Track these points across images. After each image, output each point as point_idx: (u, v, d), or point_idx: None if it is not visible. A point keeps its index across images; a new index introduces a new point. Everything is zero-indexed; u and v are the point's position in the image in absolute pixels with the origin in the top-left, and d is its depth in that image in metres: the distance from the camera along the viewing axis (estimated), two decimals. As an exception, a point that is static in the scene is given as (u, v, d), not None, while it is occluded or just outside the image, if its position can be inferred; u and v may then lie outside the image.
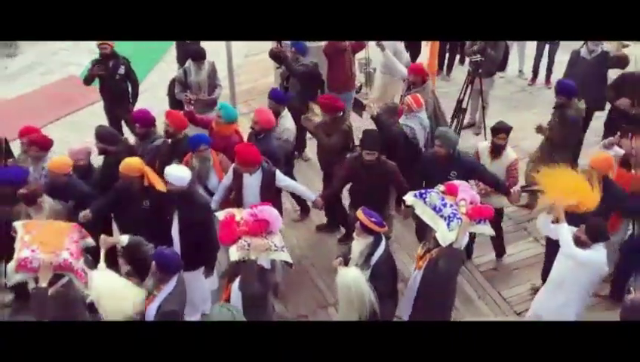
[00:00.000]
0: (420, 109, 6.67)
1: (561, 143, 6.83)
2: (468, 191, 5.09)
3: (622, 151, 6.07)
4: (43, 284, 4.38)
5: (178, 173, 5.31)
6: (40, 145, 6.01)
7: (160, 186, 5.49)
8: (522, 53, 10.57)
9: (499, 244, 6.82)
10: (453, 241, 4.76)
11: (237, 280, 4.77)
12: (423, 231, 5.39)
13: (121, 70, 7.73)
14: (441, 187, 5.13)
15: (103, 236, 4.87)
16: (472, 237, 6.10)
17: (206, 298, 5.87)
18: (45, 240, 4.52)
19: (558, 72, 9.08)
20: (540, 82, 10.44)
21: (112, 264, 5.47)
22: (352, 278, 4.67)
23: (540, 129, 6.99)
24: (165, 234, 5.43)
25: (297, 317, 6.21)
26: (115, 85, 7.83)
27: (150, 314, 4.41)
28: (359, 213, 4.83)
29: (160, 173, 5.58)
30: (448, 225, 4.80)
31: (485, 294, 6.51)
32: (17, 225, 4.74)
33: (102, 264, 4.61)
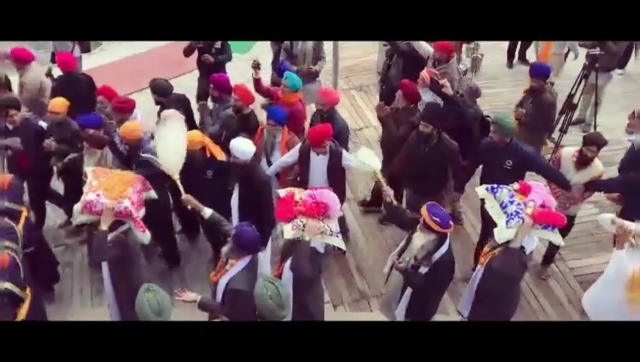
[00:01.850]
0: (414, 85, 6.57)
1: (536, 128, 6.67)
2: (542, 193, 4.88)
3: None
4: (104, 228, 4.72)
5: (242, 147, 5.48)
6: (122, 109, 6.35)
7: (221, 156, 5.73)
8: None
9: (551, 253, 6.52)
10: (511, 240, 4.64)
11: (289, 260, 4.84)
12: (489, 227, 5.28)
13: (217, 44, 7.89)
14: (516, 185, 5.01)
15: (188, 196, 5.08)
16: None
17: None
18: (110, 187, 4.87)
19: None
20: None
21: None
22: None
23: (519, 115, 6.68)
24: (228, 205, 5.65)
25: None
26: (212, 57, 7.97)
27: (220, 289, 4.61)
28: (423, 210, 4.73)
29: (226, 146, 5.78)
30: (507, 222, 4.70)
31: (576, 298, 6.26)
32: (88, 170, 5.16)
33: None
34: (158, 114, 6.66)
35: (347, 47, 9.28)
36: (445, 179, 6.27)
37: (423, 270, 4.78)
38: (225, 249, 4.69)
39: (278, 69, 7.22)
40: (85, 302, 6.40)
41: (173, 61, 8.05)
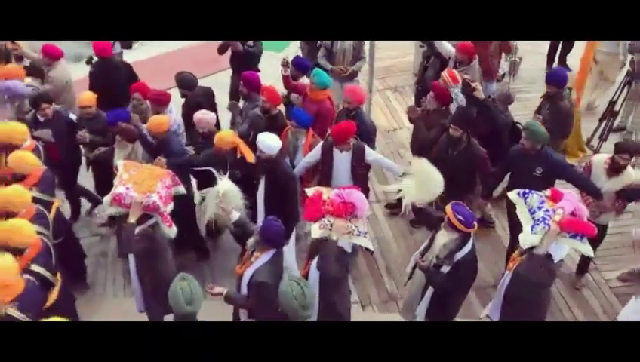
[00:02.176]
0: (455, 85, 6.54)
1: (552, 134, 6.37)
2: (573, 202, 4.79)
3: None
4: (132, 221, 4.82)
5: (268, 142, 5.55)
6: (158, 101, 6.50)
7: (251, 158, 5.79)
8: None
9: (585, 263, 6.38)
10: (536, 247, 4.60)
11: (316, 259, 4.84)
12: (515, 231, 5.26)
13: (250, 42, 7.95)
14: (547, 191, 4.96)
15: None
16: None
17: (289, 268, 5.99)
18: (140, 181, 4.97)
19: None
20: None
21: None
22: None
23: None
24: (254, 203, 5.68)
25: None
26: (243, 55, 7.99)
27: (244, 281, 4.66)
28: (448, 208, 4.73)
29: (253, 146, 5.84)
30: (532, 228, 4.67)
31: (612, 311, 6.19)
32: (119, 163, 5.28)
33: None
34: (183, 107, 6.80)
35: (383, 48, 9.27)
36: (472, 185, 6.23)
37: (445, 269, 4.77)
38: (250, 241, 4.75)
39: (297, 64, 7.24)
40: (118, 292, 6.52)
41: (209, 58, 8.13)
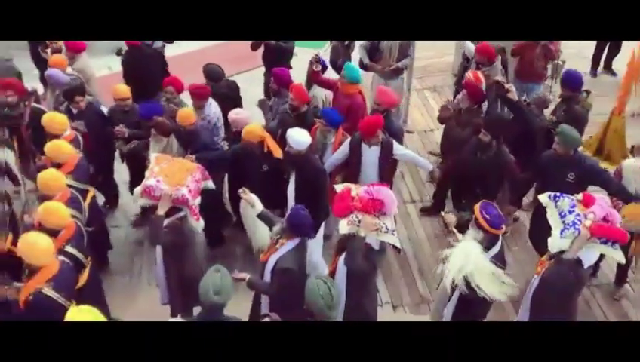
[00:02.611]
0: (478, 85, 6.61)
1: None
2: (605, 207, 4.70)
3: None
4: (161, 213, 4.92)
5: (297, 137, 5.61)
6: (198, 95, 6.60)
7: (278, 153, 5.87)
8: None
9: (623, 272, 6.23)
10: (565, 251, 4.53)
11: (344, 255, 4.86)
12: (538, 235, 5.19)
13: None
14: (579, 196, 4.87)
15: (245, 190, 5.25)
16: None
17: (317, 264, 6.05)
18: (171, 174, 5.07)
19: None
20: None
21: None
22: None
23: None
24: (280, 198, 5.77)
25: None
26: (276, 51, 8.07)
27: (268, 267, 4.74)
28: (476, 206, 4.69)
29: (282, 143, 5.92)
30: (562, 232, 4.59)
31: None
32: (152, 156, 5.40)
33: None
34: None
35: (422, 47, 9.21)
36: (497, 191, 6.15)
37: None
38: (276, 228, 4.82)
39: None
40: (152, 280, 6.50)
41: (246, 54, 8.21)
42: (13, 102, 6.47)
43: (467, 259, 4.51)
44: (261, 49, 7.99)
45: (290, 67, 7.78)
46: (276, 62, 7.61)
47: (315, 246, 5.93)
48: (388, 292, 6.46)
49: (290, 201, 5.81)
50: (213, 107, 6.75)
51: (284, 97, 6.78)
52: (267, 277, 4.77)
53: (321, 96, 7.10)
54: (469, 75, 6.65)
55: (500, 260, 4.69)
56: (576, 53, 9.50)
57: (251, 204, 5.16)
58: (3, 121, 6.35)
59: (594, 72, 9.74)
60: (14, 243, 4.83)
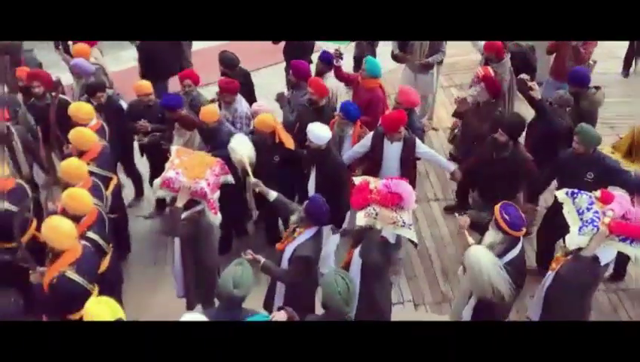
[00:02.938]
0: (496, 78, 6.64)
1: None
2: (625, 205, 4.65)
3: None
4: (179, 205, 5.01)
5: (317, 132, 5.64)
6: (227, 89, 6.67)
7: (289, 144, 5.93)
8: None
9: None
10: (583, 248, 4.49)
11: (359, 247, 4.91)
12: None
13: None
14: (597, 193, 4.82)
15: (257, 180, 5.33)
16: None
17: (327, 256, 6.09)
18: (190, 167, 5.15)
19: None
20: None
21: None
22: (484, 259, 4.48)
23: None
24: (292, 189, 5.89)
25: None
26: (297, 46, 8.14)
27: (286, 256, 4.80)
28: (496, 207, 4.65)
29: (299, 136, 6.00)
30: (580, 229, 4.56)
31: None
32: (173, 148, 5.49)
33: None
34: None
35: (449, 44, 9.06)
36: (514, 191, 6.10)
37: None
38: (294, 218, 4.87)
39: (322, 58, 7.28)
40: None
41: (271, 48, 8.30)
42: (40, 92, 6.68)
43: (479, 268, 4.44)
44: (282, 43, 8.07)
45: (311, 62, 7.87)
46: (297, 56, 7.66)
47: (330, 242, 5.99)
48: (410, 291, 6.45)
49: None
50: (243, 103, 6.81)
51: (302, 90, 6.84)
52: (284, 265, 4.83)
53: (333, 89, 7.09)
54: (480, 70, 6.68)
55: (519, 262, 4.64)
56: (607, 53, 9.40)
57: (265, 193, 5.23)
58: (30, 111, 6.55)
59: (626, 73, 9.59)
60: (38, 229, 4.98)
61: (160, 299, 6.12)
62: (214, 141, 6.05)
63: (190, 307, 5.39)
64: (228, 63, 7.31)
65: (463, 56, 10.27)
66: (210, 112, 6.15)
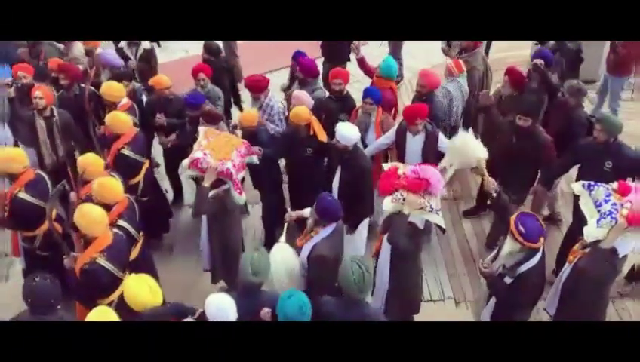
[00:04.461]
0: (461, 74, 6.85)
1: None
2: None
3: None
4: (206, 184, 5.22)
5: (346, 132, 5.67)
6: (256, 87, 6.71)
7: (322, 137, 6.03)
8: None
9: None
10: (602, 241, 4.49)
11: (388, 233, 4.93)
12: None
13: None
14: (614, 184, 4.81)
15: (289, 213, 5.39)
16: None
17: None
18: (217, 148, 5.35)
19: None
20: None
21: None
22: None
23: None
24: (323, 182, 5.91)
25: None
26: (335, 42, 8.18)
27: (304, 255, 4.84)
28: (512, 217, 4.52)
29: (324, 127, 6.10)
30: (598, 221, 4.57)
31: None
32: (201, 129, 5.67)
33: (283, 238, 5.01)
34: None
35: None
36: (535, 175, 6.08)
37: (508, 280, 4.55)
38: (310, 223, 4.89)
39: (294, 56, 7.40)
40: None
41: (307, 44, 8.46)
42: (66, 84, 6.92)
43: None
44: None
45: (349, 59, 8.09)
46: (334, 52, 7.92)
47: (359, 241, 5.99)
48: (451, 288, 6.42)
49: (335, 195, 5.78)
50: (274, 101, 6.84)
51: (310, 86, 6.93)
52: (303, 261, 4.84)
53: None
54: (451, 63, 6.97)
55: (535, 274, 4.52)
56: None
57: (301, 215, 5.21)
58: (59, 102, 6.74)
59: None
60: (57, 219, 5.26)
61: (192, 289, 6.17)
62: (254, 141, 6.12)
63: (214, 281, 5.66)
64: (213, 51, 7.70)
65: (515, 50, 10.08)
66: (250, 118, 6.21)
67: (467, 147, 5.35)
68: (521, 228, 4.39)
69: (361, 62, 7.28)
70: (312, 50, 8.33)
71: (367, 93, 6.41)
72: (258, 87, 6.68)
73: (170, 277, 5.88)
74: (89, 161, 5.38)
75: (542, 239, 4.44)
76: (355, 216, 5.83)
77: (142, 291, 4.11)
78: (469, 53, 7.31)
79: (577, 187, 4.95)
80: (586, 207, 4.79)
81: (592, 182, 4.88)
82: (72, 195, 5.50)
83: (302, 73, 7.05)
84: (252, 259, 4.15)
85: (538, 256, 4.50)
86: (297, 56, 7.34)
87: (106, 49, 7.88)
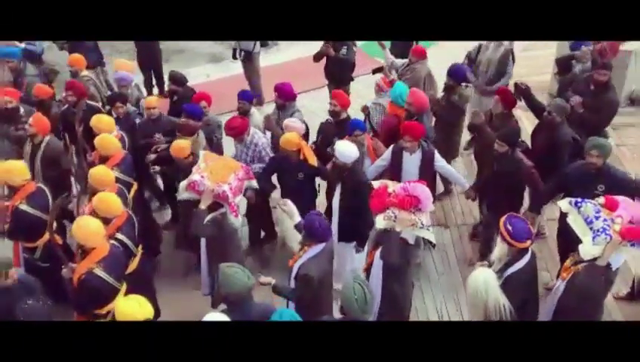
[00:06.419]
0: (385, 93, 7.23)
1: (446, 123, 7.43)
2: (630, 209, 4.82)
3: None
4: (202, 207, 5.43)
5: (343, 149, 5.88)
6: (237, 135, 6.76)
7: (313, 161, 6.24)
8: None
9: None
10: (597, 257, 4.61)
11: (380, 249, 5.13)
12: (565, 241, 5.32)
13: (344, 50, 8.39)
14: (601, 199, 4.97)
15: (287, 201, 5.51)
16: None
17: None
18: (215, 171, 5.58)
19: None
20: None
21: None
22: (483, 281, 4.64)
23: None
24: (313, 203, 6.17)
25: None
26: (337, 63, 8.52)
27: (293, 273, 4.96)
28: (502, 219, 4.75)
29: (321, 150, 6.33)
30: (594, 238, 4.68)
31: None
32: (201, 153, 5.93)
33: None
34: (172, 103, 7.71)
35: (518, 64, 8.60)
36: (518, 202, 6.19)
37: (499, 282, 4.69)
38: (303, 236, 5.04)
39: (243, 96, 7.31)
40: None
41: (311, 72, 8.70)
42: (73, 101, 7.25)
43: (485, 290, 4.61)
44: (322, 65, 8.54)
45: (352, 79, 8.42)
46: (337, 73, 8.17)
47: (358, 260, 6.12)
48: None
49: (335, 212, 6.09)
50: (258, 133, 6.88)
51: (290, 110, 7.17)
52: (292, 283, 4.98)
53: (260, 125, 7.19)
54: (380, 80, 7.42)
55: (524, 274, 4.69)
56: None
57: (290, 215, 5.35)
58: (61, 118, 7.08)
59: None
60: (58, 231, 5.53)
61: (188, 305, 6.25)
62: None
63: (214, 305, 5.64)
64: (178, 80, 7.95)
65: (533, 76, 9.80)
66: (181, 148, 6.18)
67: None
68: (509, 227, 4.62)
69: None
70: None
71: (352, 126, 6.46)
72: (240, 132, 6.69)
73: (169, 295, 6.08)
74: (101, 173, 5.63)
75: (529, 241, 4.67)
76: (361, 234, 6.04)
77: (132, 311, 4.11)
78: (417, 63, 7.69)
79: (564, 204, 5.07)
80: (576, 224, 4.90)
81: (579, 199, 4.99)
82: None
83: (281, 98, 7.22)
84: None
85: (527, 258, 4.71)
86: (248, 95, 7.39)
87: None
